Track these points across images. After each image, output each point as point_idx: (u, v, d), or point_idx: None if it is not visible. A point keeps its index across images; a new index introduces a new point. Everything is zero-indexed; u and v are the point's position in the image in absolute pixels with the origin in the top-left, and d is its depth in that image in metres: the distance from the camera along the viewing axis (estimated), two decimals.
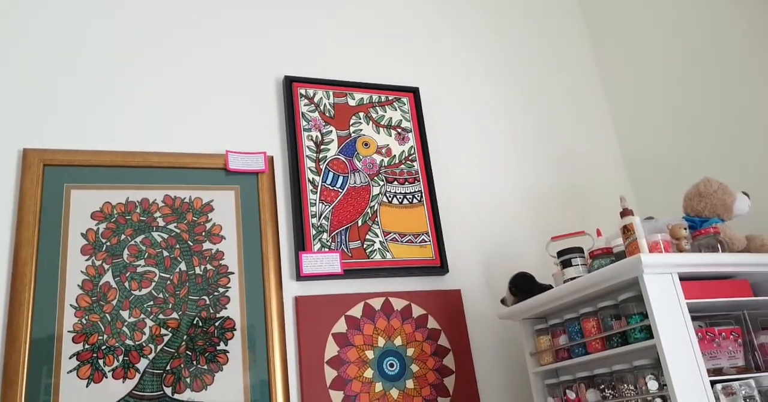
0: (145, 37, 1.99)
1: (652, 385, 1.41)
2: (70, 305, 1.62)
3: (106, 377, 1.58)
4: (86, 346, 1.60)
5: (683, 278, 1.44)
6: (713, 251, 1.55)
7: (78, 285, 1.65)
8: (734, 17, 2.05)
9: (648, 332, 1.41)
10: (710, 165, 2.05)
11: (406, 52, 2.31)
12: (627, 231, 1.49)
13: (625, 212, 1.52)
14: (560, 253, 1.69)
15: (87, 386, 1.56)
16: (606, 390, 1.54)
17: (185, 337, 1.68)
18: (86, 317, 1.62)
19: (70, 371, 1.57)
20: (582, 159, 2.40)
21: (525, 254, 2.11)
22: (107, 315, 1.64)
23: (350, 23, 2.28)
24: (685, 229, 1.58)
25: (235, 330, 1.72)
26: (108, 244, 1.71)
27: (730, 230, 1.63)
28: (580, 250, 1.68)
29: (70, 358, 1.58)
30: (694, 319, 1.41)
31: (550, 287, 1.74)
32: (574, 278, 1.60)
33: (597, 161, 2.42)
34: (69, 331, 1.60)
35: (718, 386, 1.36)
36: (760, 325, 1.57)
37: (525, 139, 2.35)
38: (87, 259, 1.68)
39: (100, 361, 1.59)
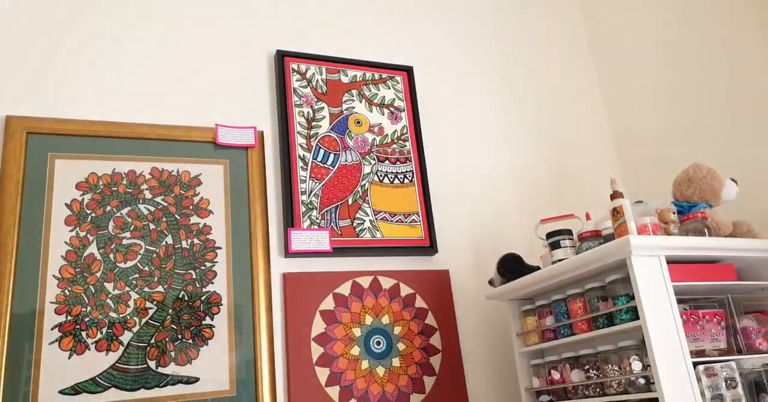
0: (138, 6, 1.95)
1: (636, 365, 1.42)
2: (53, 276, 1.60)
3: (89, 349, 1.57)
4: (69, 318, 1.57)
5: (670, 261, 1.45)
6: (700, 236, 1.56)
7: (61, 256, 1.62)
8: (726, 2, 2.06)
9: (634, 314, 1.43)
10: (700, 150, 2.07)
11: (401, 31, 2.29)
12: (616, 213, 1.50)
13: (615, 195, 1.53)
14: (549, 235, 1.70)
15: (69, 358, 1.54)
16: (590, 370, 1.55)
17: (170, 310, 1.66)
18: (69, 288, 1.60)
19: (52, 342, 1.54)
20: (573, 142, 2.42)
21: (514, 236, 2.12)
22: (91, 287, 1.62)
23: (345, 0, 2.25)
24: (674, 213, 1.60)
25: (221, 305, 1.71)
26: (93, 215, 1.69)
27: (718, 215, 1.65)
28: (569, 232, 1.68)
29: (52, 329, 1.55)
30: (679, 301, 1.43)
31: (537, 268, 1.75)
32: (562, 260, 1.61)
33: (588, 145, 2.44)
34: (51, 302, 1.57)
35: (700, 367, 1.38)
36: (743, 309, 1.60)
37: (517, 121, 2.36)
38: (71, 230, 1.65)
39: (83, 333, 1.57)
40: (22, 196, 1.63)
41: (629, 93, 2.44)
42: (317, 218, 1.88)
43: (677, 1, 2.24)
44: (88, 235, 1.66)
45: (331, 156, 1.99)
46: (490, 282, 1.86)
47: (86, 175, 1.72)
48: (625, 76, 2.46)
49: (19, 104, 1.71)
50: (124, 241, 1.69)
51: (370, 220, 1.94)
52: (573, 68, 2.57)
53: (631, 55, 2.43)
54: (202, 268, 1.73)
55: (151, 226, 1.73)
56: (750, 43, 1.98)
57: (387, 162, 2.05)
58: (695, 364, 1.38)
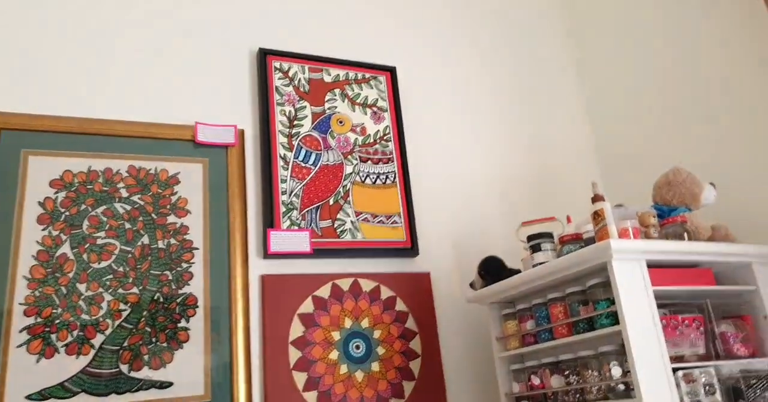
0: (117, 1, 1.91)
1: (616, 371, 1.42)
2: (23, 276, 1.55)
3: (59, 353, 1.52)
4: (38, 320, 1.53)
5: (650, 265, 1.45)
6: (680, 240, 1.57)
7: (32, 256, 1.57)
8: (706, 7, 2.08)
9: (614, 319, 1.42)
10: (679, 155, 2.08)
11: (384, 30, 2.28)
12: (597, 216, 1.49)
13: (597, 198, 1.52)
14: (530, 238, 1.69)
15: (37, 362, 1.49)
16: (570, 376, 1.55)
17: (145, 312, 1.62)
18: (40, 289, 1.55)
19: (20, 346, 1.49)
20: (554, 145, 2.42)
21: (495, 239, 2.12)
22: (63, 288, 1.57)
23: None
24: (654, 217, 1.60)
25: (197, 307, 1.68)
26: (67, 213, 1.64)
27: (697, 219, 1.66)
28: (549, 235, 1.68)
29: (20, 331, 1.50)
30: (658, 306, 1.42)
31: (518, 272, 1.74)
32: (543, 263, 1.61)
33: (569, 148, 2.44)
34: (20, 304, 1.52)
35: (680, 373, 1.38)
36: (722, 313, 1.60)
37: (499, 124, 2.35)
38: (44, 229, 1.61)
39: (53, 336, 1.52)
40: None
41: (609, 97, 2.45)
42: (297, 219, 1.86)
43: (657, 8, 2.26)
44: (62, 235, 1.62)
45: (313, 155, 1.96)
46: (471, 284, 1.84)
47: (61, 173, 1.67)
48: (605, 80, 2.48)
49: None
50: (99, 241, 1.65)
51: (352, 221, 1.92)
52: (554, 72, 2.58)
53: (612, 59, 2.44)
54: (179, 269, 1.70)
55: (127, 226, 1.69)
56: (729, 49, 2.00)
57: (369, 162, 2.03)
58: (674, 370, 1.37)
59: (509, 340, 1.74)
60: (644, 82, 2.30)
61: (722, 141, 2.00)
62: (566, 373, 1.56)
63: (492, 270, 1.76)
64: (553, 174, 2.35)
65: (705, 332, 1.51)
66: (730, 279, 1.63)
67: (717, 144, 2.01)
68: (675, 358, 1.42)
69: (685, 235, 1.57)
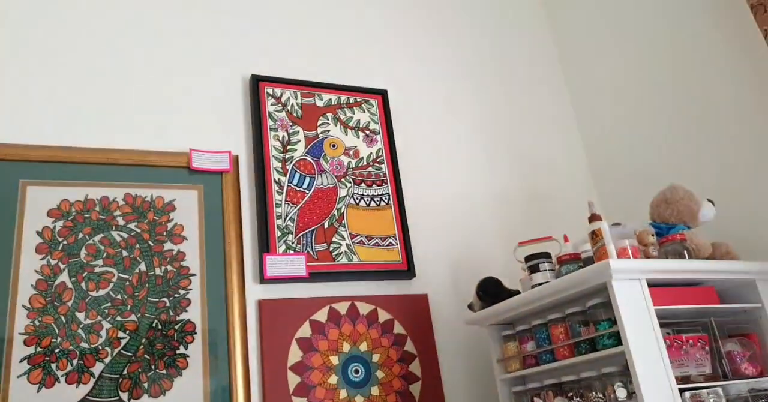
0: (111, 30, 1.93)
1: (621, 393, 1.39)
2: (23, 306, 1.55)
3: (59, 382, 1.51)
4: (38, 349, 1.52)
5: (650, 285, 1.43)
6: (680, 258, 1.54)
7: (31, 285, 1.58)
8: (702, 22, 2.07)
9: (616, 339, 1.39)
10: (675, 172, 2.07)
11: (375, 54, 2.29)
12: (595, 236, 1.48)
13: (594, 217, 1.51)
14: (528, 258, 1.67)
15: (38, 391, 1.49)
16: (574, 398, 1.52)
17: (144, 340, 1.62)
18: (39, 319, 1.55)
19: (20, 376, 1.49)
20: (548, 164, 2.41)
21: (492, 259, 2.10)
22: (62, 316, 1.57)
23: (319, 24, 2.25)
24: (653, 235, 1.58)
25: (195, 334, 1.67)
26: (65, 242, 1.65)
27: (697, 237, 1.64)
28: (547, 255, 1.66)
29: (20, 361, 1.50)
30: (661, 326, 1.40)
31: (517, 292, 1.72)
32: (542, 284, 1.59)
33: (563, 167, 2.43)
34: (20, 334, 1.53)
35: (687, 394, 1.35)
36: (727, 332, 1.57)
37: (493, 144, 2.35)
38: (42, 258, 1.61)
39: (53, 365, 1.52)
40: None
41: (603, 115, 2.44)
42: (293, 243, 1.85)
43: (650, 26, 2.25)
44: (60, 264, 1.62)
45: (307, 179, 1.96)
46: (470, 306, 1.82)
47: (58, 202, 1.68)
48: (599, 98, 2.47)
49: None
50: (96, 269, 1.65)
51: (347, 244, 1.91)
52: (547, 91, 2.57)
53: (605, 77, 2.44)
54: (176, 295, 1.69)
55: (124, 253, 1.69)
56: (728, 65, 1.98)
57: (363, 185, 2.02)
58: (681, 391, 1.34)
59: (510, 362, 1.71)
60: (638, 99, 2.28)
61: (720, 157, 1.97)
62: (569, 394, 1.53)
63: (490, 291, 1.74)
64: (547, 193, 2.33)
65: (711, 351, 1.48)
66: (734, 297, 1.60)
67: (714, 160, 1.99)
68: (681, 379, 1.39)
69: (686, 253, 1.55)
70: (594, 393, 1.46)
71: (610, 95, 2.40)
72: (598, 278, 1.41)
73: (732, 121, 1.95)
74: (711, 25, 2.04)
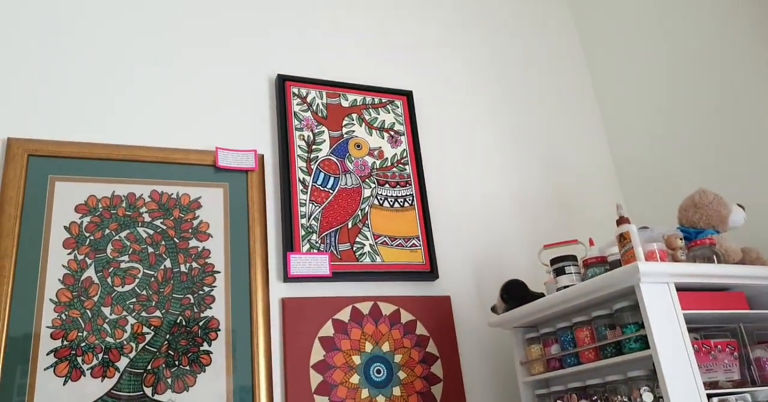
0: (140, 30, 1.96)
1: (647, 397, 1.37)
2: (50, 300, 1.57)
3: (84, 376, 1.53)
4: (65, 343, 1.54)
5: (679, 289, 1.41)
6: (709, 262, 1.52)
7: (59, 279, 1.60)
8: (730, 26, 2.05)
9: (643, 342, 1.38)
10: (702, 176, 2.04)
11: (400, 55, 2.29)
12: (623, 239, 1.46)
13: (622, 220, 1.50)
14: (553, 261, 1.66)
15: (64, 384, 1.51)
16: (598, 401, 1.50)
17: (168, 336, 1.63)
18: (66, 313, 1.57)
19: (47, 368, 1.51)
20: (574, 167, 2.39)
21: (516, 261, 2.09)
22: (88, 311, 1.59)
23: (345, 25, 2.26)
24: (681, 239, 1.56)
25: (219, 331, 1.68)
26: (92, 238, 1.67)
27: (726, 242, 1.61)
28: (573, 258, 1.65)
29: (47, 354, 1.52)
30: (689, 330, 1.38)
31: (542, 295, 1.71)
32: (568, 286, 1.57)
33: (589, 170, 2.41)
34: (48, 327, 1.55)
35: (714, 400, 1.33)
36: (756, 338, 1.55)
37: (517, 146, 2.34)
38: (69, 253, 1.63)
39: (79, 359, 1.54)
40: (21, 218, 1.61)
41: (630, 118, 2.42)
42: (317, 242, 1.86)
43: (678, 29, 2.24)
44: (86, 259, 1.64)
45: (331, 179, 1.97)
46: (493, 309, 1.81)
47: (86, 198, 1.70)
48: (625, 101, 2.45)
49: (20, 126, 1.71)
50: (122, 265, 1.67)
51: (370, 245, 1.92)
52: (574, 93, 2.56)
53: (632, 79, 2.42)
54: (201, 292, 1.70)
55: (150, 250, 1.71)
56: (758, 67, 1.96)
57: (387, 185, 2.03)
58: (709, 396, 1.32)
59: (533, 364, 1.70)
60: (666, 103, 2.26)
61: (748, 162, 1.95)
62: (594, 398, 1.52)
63: (515, 294, 1.73)
64: (572, 195, 2.32)
65: (739, 357, 1.46)
66: (764, 303, 1.58)
67: (742, 165, 1.96)
68: (709, 384, 1.37)
69: (715, 257, 1.53)
70: (619, 397, 1.44)
71: (638, 99, 2.39)
72: (626, 281, 1.39)
73: (762, 125, 1.93)
74: (740, 29, 2.02)
